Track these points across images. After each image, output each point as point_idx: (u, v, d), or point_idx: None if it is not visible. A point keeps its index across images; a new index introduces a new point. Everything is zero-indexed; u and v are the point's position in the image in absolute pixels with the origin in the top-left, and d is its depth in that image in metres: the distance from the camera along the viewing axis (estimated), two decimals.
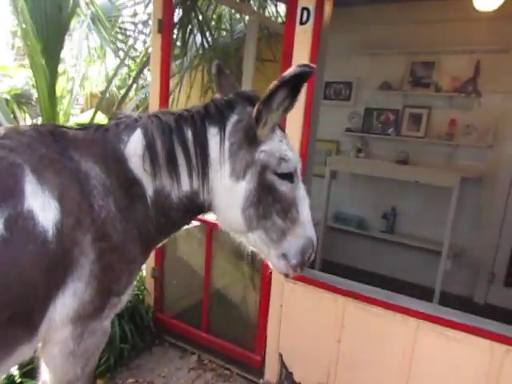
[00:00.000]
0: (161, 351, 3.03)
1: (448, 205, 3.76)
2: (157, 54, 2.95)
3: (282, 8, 4.62)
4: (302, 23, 2.25)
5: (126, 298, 1.30)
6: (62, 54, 3.26)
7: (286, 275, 1.33)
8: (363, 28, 4.35)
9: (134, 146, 1.21)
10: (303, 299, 2.48)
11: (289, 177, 1.24)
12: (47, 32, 2.80)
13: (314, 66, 1.09)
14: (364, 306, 2.27)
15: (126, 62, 4.36)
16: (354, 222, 4.70)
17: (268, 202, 1.22)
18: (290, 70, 1.08)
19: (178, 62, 4.48)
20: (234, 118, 1.23)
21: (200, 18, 3.93)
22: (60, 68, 3.36)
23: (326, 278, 2.44)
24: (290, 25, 2.30)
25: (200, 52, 4.11)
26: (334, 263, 4.79)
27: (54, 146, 1.13)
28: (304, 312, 2.50)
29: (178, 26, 3.76)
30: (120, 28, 4.76)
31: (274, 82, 1.11)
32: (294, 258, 1.28)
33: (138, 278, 3.48)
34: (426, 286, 4.15)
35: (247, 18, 4.24)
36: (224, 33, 4.80)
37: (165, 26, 2.93)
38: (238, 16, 4.89)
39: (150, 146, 1.19)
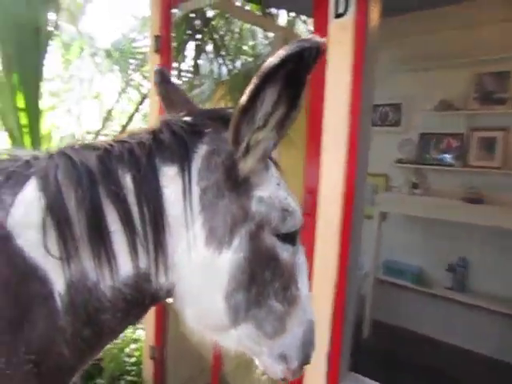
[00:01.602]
0: None
1: None
2: None
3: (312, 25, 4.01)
4: (338, 15, 1.54)
5: None
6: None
7: (283, 379, 0.96)
8: (410, 39, 3.62)
9: (24, 210, 0.74)
10: None
11: (291, 238, 0.87)
12: (24, 62, 2.27)
13: (321, 39, 0.66)
14: None
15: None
16: (411, 274, 3.80)
17: (265, 280, 0.84)
18: (281, 51, 0.66)
19: (196, 91, 3.96)
20: (203, 150, 0.81)
21: (216, 38, 3.35)
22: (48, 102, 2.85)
23: None
24: (319, 20, 1.60)
25: (216, 78, 3.52)
26: (387, 325, 3.90)
27: None
28: None
29: (182, 46, 3.19)
30: (134, 59, 4.33)
31: (256, 76, 0.69)
32: (297, 359, 0.93)
33: (132, 360, 2.79)
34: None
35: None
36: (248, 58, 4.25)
37: (163, 44, 2.36)
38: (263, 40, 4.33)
39: (55, 208, 0.73)
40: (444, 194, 3.61)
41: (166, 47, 2.38)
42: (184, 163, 0.79)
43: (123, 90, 3.51)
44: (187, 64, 3.43)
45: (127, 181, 0.78)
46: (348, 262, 1.72)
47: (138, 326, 3.20)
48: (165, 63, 2.38)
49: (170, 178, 0.79)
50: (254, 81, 0.69)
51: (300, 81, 0.70)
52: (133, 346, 3.02)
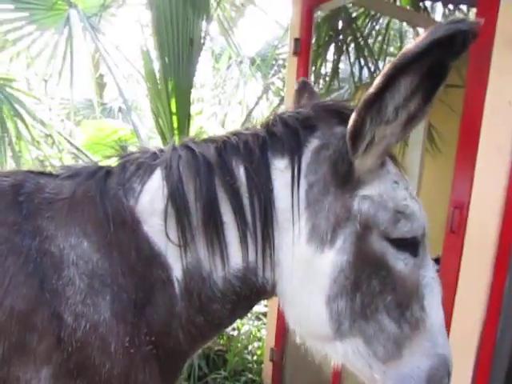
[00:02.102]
0: None
1: None
2: (291, 80, 2.38)
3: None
4: None
5: None
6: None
7: None
8: None
9: (150, 198, 0.81)
10: None
11: (411, 246, 0.77)
12: (179, 70, 2.55)
13: (479, 20, 0.58)
14: None
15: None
16: None
17: (372, 290, 0.76)
18: (424, 36, 0.58)
19: (334, 95, 3.88)
20: (313, 144, 0.80)
21: (358, 38, 3.21)
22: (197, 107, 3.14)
23: None
24: (485, 4, 1.34)
25: (356, 81, 3.36)
26: None
27: (9, 212, 0.76)
28: None
29: (322, 49, 3.12)
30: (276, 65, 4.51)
31: (392, 61, 0.62)
32: None
33: (254, 358, 2.83)
34: None
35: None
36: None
37: (302, 47, 2.35)
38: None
39: (175, 197, 0.78)
40: None
41: (305, 50, 2.36)
42: (294, 157, 0.78)
43: (263, 95, 3.67)
44: (326, 67, 3.38)
45: (240, 172, 0.80)
46: (503, 294, 1.41)
47: (263, 325, 3.26)
48: (303, 66, 2.36)
49: (279, 171, 0.79)
50: (387, 71, 0.64)
51: (443, 71, 0.63)
52: (256, 344, 3.09)
